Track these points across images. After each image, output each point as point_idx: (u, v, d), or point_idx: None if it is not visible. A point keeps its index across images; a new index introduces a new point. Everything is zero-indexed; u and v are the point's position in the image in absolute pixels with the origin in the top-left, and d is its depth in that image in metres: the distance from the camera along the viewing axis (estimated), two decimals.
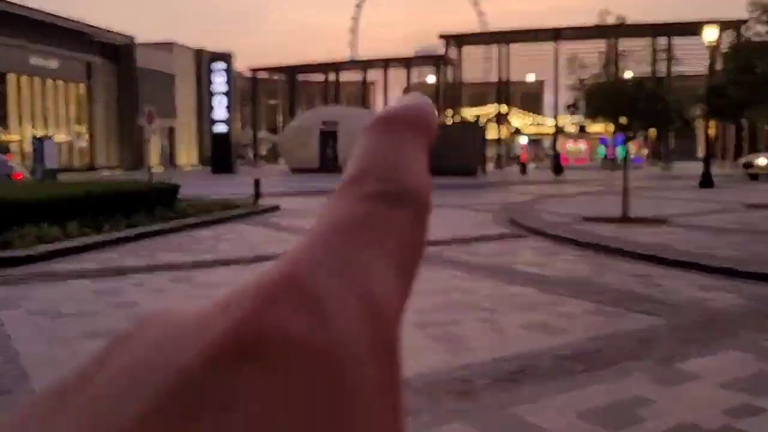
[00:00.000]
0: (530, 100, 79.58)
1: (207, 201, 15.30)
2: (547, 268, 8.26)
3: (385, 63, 49.70)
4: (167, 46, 51.12)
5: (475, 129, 37.91)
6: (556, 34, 44.62)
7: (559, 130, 62.73)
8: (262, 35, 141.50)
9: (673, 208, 15.53)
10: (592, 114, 13.28)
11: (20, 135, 35.04)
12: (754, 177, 30.61)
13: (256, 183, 16.94)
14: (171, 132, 50.86)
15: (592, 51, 47.31)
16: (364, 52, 65.18)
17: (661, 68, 42.03)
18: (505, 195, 22.32)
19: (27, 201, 10.19)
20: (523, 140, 61.91)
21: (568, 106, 14.17)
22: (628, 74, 15.03)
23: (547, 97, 78.48)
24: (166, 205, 13.54)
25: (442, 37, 47.91)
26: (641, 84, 12.83)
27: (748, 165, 31.77)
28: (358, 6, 73.65)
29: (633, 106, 12.69)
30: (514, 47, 47.61)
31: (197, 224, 12.81)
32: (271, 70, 52.99)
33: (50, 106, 37.14)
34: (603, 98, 12.79)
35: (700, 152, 65.77)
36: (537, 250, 9.96)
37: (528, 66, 55.60)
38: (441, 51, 55.13)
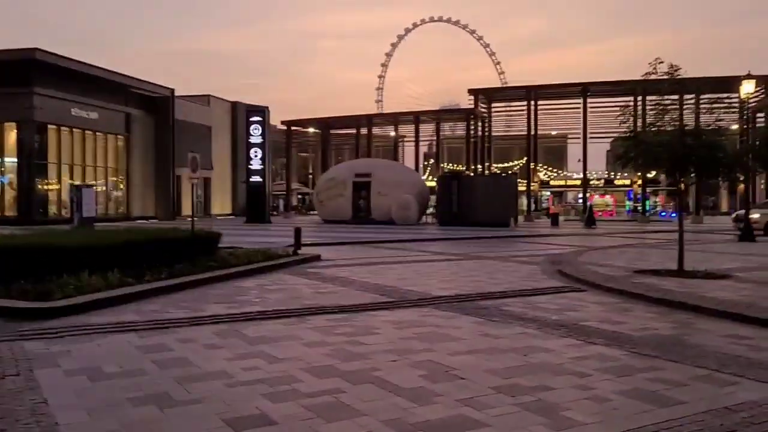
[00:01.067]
0: (554, 153, 79.63)
1: (248, 250, 14.88)
2: (625, 326, 7.52)
3: (415, 117, 49.69)
4: (204, 99, 52.00)
5: (507, 180, 37.45)
6: (583, 90, 44.29)
7: (586, 183, 62.16)
8: (291, 91, 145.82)
9: (725, 262, 14.73)
10: (647, 165, 12.61)
11: (58, 184, 35.41)
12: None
13: (297, 233, 16.49)
14: (206, 182, 51.22)
15: (625, 105, 47.23)
16: (390, 108, 66.23)
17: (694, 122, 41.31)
18: (543, 246, 21.62)
19: (67, 248, 9.81)
20: (548, 193, 61.45)
21: (618, 158, 13.48)
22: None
23: (571, 151, 78.46)
24: (207, 253, 13.13)
25: (470, 92, 47.93)
26: (699, 134, 12.18)
27: (741, 219, 28.11)
28: (384, 65, 75.33)
29: (690, 156, 12.04)
30: (540, 103, 47.32)
31: (240, 274, 12.35)
32: (305, 122, 53.36)
33: (89, 156, 37.58)
34: (659, 148, 12.13)
35: (724, 206, 64.40)
36: (604, 305, 9.22)
37: (554, 121, 55.01)
38: (463, 107, 55.79)
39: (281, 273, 13.18)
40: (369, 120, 50.62)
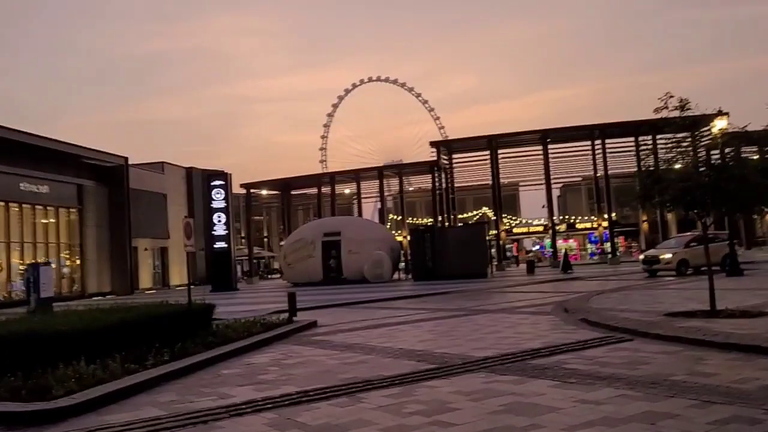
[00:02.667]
0: (506, 201, 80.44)
1: (245, 321, 13.64)
2: (723, 378, 6.71)
3: (379, 172, 49.40)
4: (158, 166, 50.55)
5: (479, 230, 36.98)
6: (543, 136, 44.85)
7: (554, 229, 62.59)
8: (232, 155, 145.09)
9: (745, 299, 14.20)
10: (670, 202, 12.06)
11: (5, 265, 33.13)
12: (653, 273, 25.95)
13: (291, 298, 15.33)
14: (163, 252, 49.31)
15: (581, 150, 48.02)
16: (334, 167, 65.84)
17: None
18: (536, 295, 20.92)
19: (61, 333, 8.49)
20: (518, 240, 61.81)
21: (638, 197, 12.95)
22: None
23: (522, 198, 79.25)
24: (203, 327, 11.91)
25: (432, 144, 48.01)
26: (726, 167, 11.63)
27: (652, 260, 26.66)
28: (326, 125, 75.65)
29: (716, 190, 11.52)
30: (501, 151, 47.45)
31: (245, 348, 11.15)
32: (263, 184, 52.40)
33: (40, 232, 35.50)
34: (683, 184, 11.58)
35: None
36: (670, 355, 8.42)
37: (508, 169, 54.96)
38: (407, 161, 56.34)
39: (288, 344, 12.03)
40: (332, 178, 49.98)
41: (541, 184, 49.78)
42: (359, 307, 20.52)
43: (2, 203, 32.69)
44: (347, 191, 59.31)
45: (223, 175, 38.09)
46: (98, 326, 9.20)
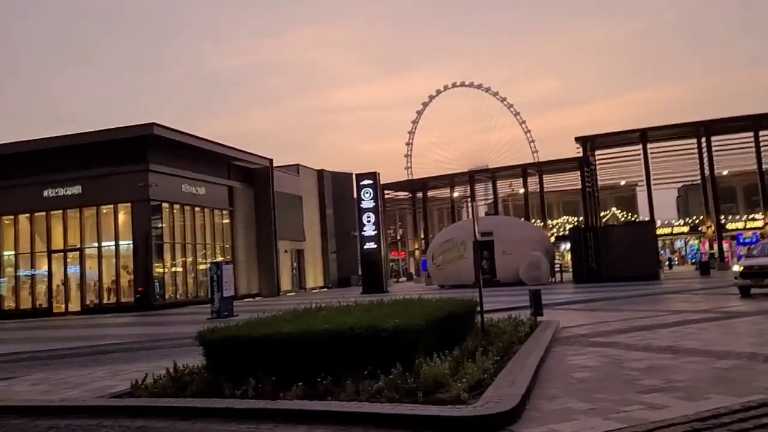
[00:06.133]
0: (625, 203, 75.98)
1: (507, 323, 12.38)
2: None
3: (523, 169, 47.39)
4: (293, 168, 50.86)
5: (648, 229, 34.35)
6: (707, 128, 41.44)
7: (693, 230, 58.46)
8: (317, 164, 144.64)
9: None
10: None
11: (173, 265, 33.85)
12: (746, 292, 18.56)
13: (536, 296, 13.92)
14: (299, 254, 49.49)
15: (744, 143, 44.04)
16: (419, 173, 64.76)
17: None
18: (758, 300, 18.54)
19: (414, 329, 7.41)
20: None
21: None
22: None
23: (642, 198, 74.56)
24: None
25: (577, 140, 45.57)
26: None
27: (760, 272, 18.25)
28: (411, 132, 74.25)
29: None
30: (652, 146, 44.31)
31: (548, 348, 9.86)
32: (400, 184, 51.92)
33: (198, 233, 36.13)
34: None
35: None
36: None
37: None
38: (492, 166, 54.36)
39: (570, 345, 10.69)
40: (471, 177, 48.57)
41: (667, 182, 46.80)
42: (560, 309, 18.91)
43: (167, 205, 33.33)
44: (456, 194, 57.84)
45: (372, 175, 37.45)
46: (426, 324, 8.07)
